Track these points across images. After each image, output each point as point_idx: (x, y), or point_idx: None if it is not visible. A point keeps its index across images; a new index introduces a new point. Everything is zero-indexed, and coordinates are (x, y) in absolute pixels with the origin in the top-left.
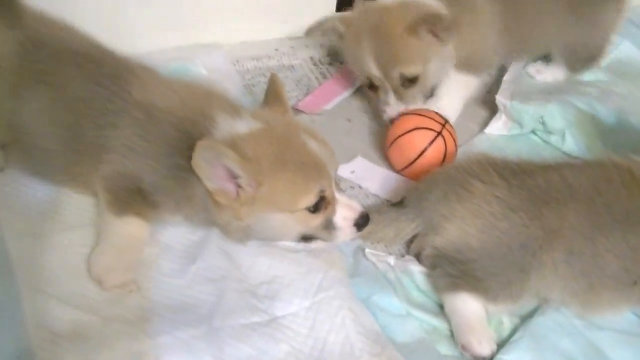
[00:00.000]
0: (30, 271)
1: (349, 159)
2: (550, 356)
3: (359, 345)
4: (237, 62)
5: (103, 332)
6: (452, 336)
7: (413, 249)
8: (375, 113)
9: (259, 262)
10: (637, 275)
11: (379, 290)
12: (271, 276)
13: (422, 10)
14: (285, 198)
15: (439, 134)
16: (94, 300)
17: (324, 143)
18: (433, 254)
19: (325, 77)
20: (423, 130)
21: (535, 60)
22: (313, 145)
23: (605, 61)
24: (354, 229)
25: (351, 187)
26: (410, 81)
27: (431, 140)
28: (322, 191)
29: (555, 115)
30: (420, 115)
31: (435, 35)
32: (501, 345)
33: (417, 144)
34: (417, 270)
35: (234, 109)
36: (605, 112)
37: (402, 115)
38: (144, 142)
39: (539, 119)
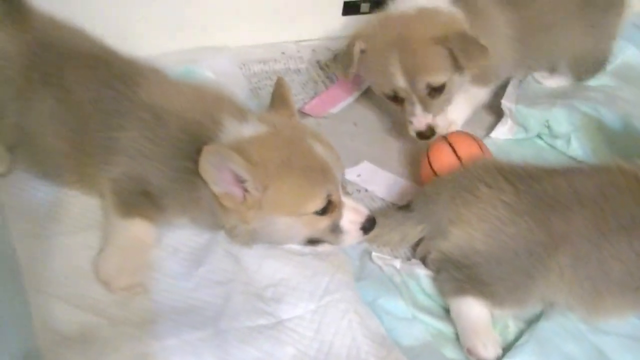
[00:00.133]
0: (36, 273)
1: (355, 162)
2: None
3: (364, 348)
4: (244, 65)
5: (109, 334)
6: (458, 340)
7: (419, 252)
8: (400, 125)
9: (265, 265)
10: None
11: (384, 293)
12: (277, 279)
13: (445, 20)
14: (292, 201)
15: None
16: (100, 302)
17: (330, 147)
18: (439, 257)
19: (331, 81)
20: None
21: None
22: (319, 149)
23: (610, 66)
24: (361, 232)
25: (357, 190)
26: (436, 90)
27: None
28: (329, 195)
29: (561, 120)
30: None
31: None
32: (506, 349)
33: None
34: (422, 273)
35: (241, 112)
36: (611, 117)
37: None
38: (151, 144)
39: (544, 123)
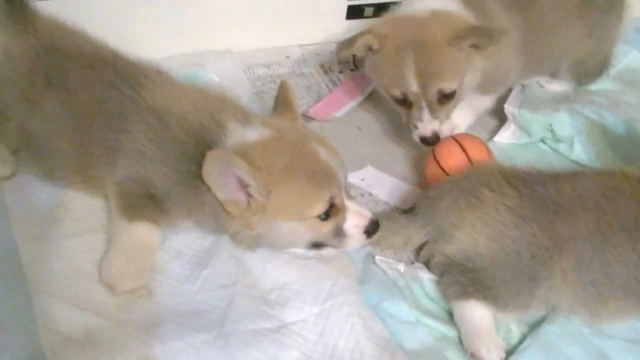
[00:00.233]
0: (41, 275)
1: (359, 166)
2: None
3: (368, 351)
4: (248, 68)
5: (113, 336)
6: (461, 343)
7: (422, 256)
8: (403, 129)
9: (269, 268)
10: None
11: (388, 296)
12: (281, 282)
13: (460, 21)
14: (296, 206)
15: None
16: (104, 305)
17: (333, 150)
18: (442, 261)
19: (335, 85)
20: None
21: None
22: (322, 153)
23: (613, 70)
24: (364, 236)
25: (361, 194)
26: (446, 97)
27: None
28: (332, 198)
29: (564, 124)
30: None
31: (477, 47)
32: (510, 352)
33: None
34: (426, 277)
35: (245, 116)
36: (614, 121)
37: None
38: (155, 146)
39: (548, 127)
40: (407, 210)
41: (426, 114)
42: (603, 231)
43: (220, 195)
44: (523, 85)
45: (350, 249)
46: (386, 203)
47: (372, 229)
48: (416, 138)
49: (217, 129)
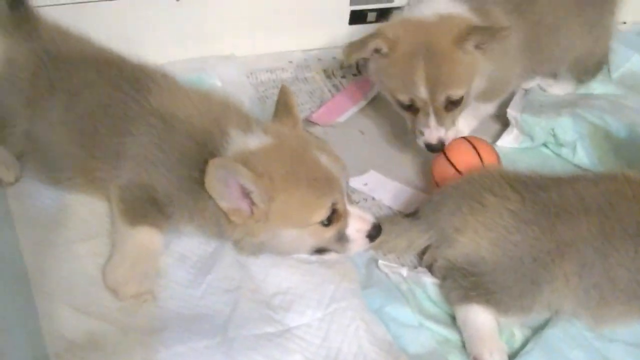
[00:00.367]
0: (45, 280)
1: (362, 170)
2: None
3: (371, 355)
4: (251, 73)
5: (118, 341)
6: (464, 347)
7: (425, 260)
8: (407, 133)
9: (272, 273)
10: None
11: (391, 301)
12: (284, 287)
13: (466, 24)
14: (298, 213)
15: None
16: (109, 309)
17: (335, 156)
18: (445, 265)
19: (338, 90)
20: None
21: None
22: (323, 159)
23: (616, 74)
24: (367, 240)
25: (364, 198)
26: (453, 103)
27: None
28: (334, 204)
29: (567, 128)
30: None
31: (482, 48)
32: (512, 356)
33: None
34: (429, 281)
35: (247, 123)
36: (616, 125)
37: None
38: (158, 150)
39: (550, 132)
40: (410, 214)
41: (433, 121)
42: (605, 235)
43: (224, 204)
44: (525, 90)
45: (352, 254)
46: (389, 207)
47: (374, 233)
48: (421, 144)
49: (220, 135)
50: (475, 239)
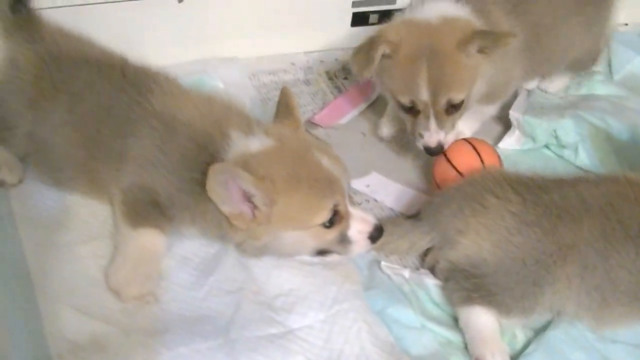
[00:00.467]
0: (48, 281)
1: (364, 172)
2: None
3: (373, 357)
4: (253, 75)
5: (120, 343)
6: (466, 349)
7: (427, 262)
8: (408, 135)
9: (275, 275)
10: None
11: (393, 302)
12: (287, 288)
13: (468, 27)
14: (300, 215)
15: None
16: (111, 311)
17: (336, 157)
18: (447, 267)
19: (340, 91)
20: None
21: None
22: (325, 161)
23: (618, 76)
24: (368, 242)
25: (366, 200)
26: (454, 107)
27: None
28: (336, 206)
29: (568, 130)
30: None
31: (484, 53)
32: (514, 358)
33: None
34: (431, 283)
35: (248, 125)
36: (618, 127)
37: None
38: (160, 153)
39: (552, 134)
40: (412, 216)
41: (433, 124)
42: (607, 237)
43: (225, 209)
44: (528, 91)
45: (354, 255)
46: (391, 209)
47: (376, 235)
48: (420, 147)
49: (221, 138)
50: (477, 241)
